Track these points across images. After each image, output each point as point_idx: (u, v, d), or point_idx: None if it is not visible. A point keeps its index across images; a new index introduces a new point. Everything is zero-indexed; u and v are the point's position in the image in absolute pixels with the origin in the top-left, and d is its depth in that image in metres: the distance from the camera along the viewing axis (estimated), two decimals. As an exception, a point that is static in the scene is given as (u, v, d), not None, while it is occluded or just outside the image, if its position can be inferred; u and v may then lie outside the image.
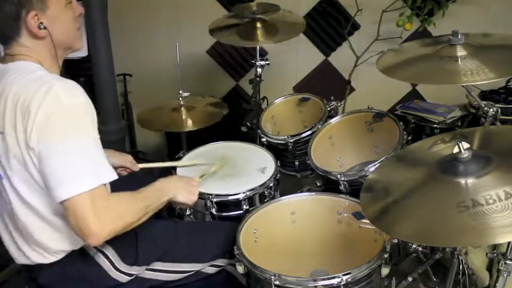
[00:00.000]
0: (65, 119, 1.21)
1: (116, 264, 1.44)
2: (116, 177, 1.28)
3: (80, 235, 1.23)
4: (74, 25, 1.39)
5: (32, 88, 1.22)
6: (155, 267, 1.53)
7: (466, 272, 1.65)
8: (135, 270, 1.47)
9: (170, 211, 1.93)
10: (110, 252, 1.44)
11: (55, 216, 1.32)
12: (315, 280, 1.33)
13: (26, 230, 1.34)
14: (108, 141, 1.44)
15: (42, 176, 1.24)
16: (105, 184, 1.26)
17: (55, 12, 1.31)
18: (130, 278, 1.47)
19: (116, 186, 1.34)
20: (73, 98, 1.23)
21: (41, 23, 1.28)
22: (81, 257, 1.41)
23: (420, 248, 1.66)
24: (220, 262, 1.62)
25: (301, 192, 1.86)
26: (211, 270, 1.62)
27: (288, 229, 1.71)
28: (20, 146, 1.23)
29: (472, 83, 1.40)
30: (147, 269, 1.51)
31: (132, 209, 1.33)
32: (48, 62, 1.34)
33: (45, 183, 1.24)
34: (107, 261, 1.43)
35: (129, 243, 1.47)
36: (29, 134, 1.20)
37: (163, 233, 1.57)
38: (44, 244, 1.35)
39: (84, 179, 1.21)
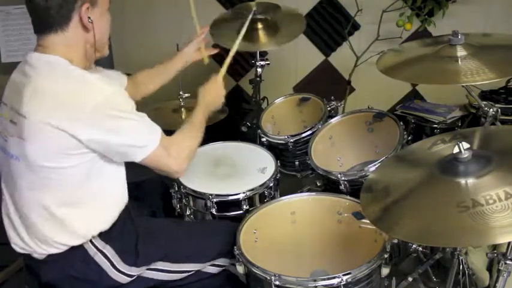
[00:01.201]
0: (110, 106, 1.30)
1: (115, 264, 1.44)
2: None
3: (169, 175, 1.51)
4: (108, 31, 1.49)
5: (68, 84, 1.30)
6: (156, 267, 1.53)
7: (466, 272, 1.65)
8: (135, 271, 1.48)
9: (170, 211, 1.93)
10: (110, 252, 1.44)
11: (58, 207, 1.35)
12: (315, 280, 1.33)
13: (29, 217, 1.37)
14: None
15: (115, 154, 1.38)
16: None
17: (100, 12, 1.41)
18: (130, 278, 1.48)
19: None
20: (109, 85, 1.33)
21: (89, 17, 1.36)
22: (80, 256, 1.41)
23: (420, 248, 1.66)
24: (221, 262, 1.62)
25: (301, 192, 1.87)
26: (212, 269, 1.62)
27: (288, 229, 1.71)
28: (53, 136, 1.27)
29: (472, 83, 1.40)
30: (147, 269, 1.51)
31: (192, 136, 1.56)
32: (78, 58, 1.39)
33: (122, 159, 1.42)
34: (106, 262, 1.43)
35: (129, 244, 1.47)
36: (74, 128, 1.27)
37: (163, 233, 1.57)
38: (45, 233, 1.37)
39: (150, 136, 1.41)
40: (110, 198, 1.45)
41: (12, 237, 1.45)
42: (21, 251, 1.44)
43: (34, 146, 1.29)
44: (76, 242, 1.40)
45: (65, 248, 1.40)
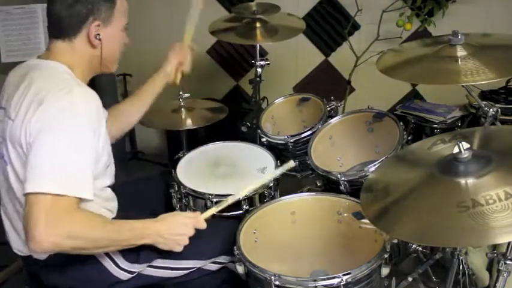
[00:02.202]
0: (72, 122, 1.25)
1: (117, 261, 1.44)
2: (90, 198, 1.24)
3: (24, 233, 1.19)
4: (120, 50, 1.48)
5: (54, 85, 1.28)
6: (157, 264, 1.53)
7: (466, 272, 1.65)
8: (136, 267, 1.48)
9: (170, 211, 1.93)
10: None
11: None
12: (315, 280, 1.33)
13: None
14: (108, 141, 1.44)
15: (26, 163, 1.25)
16: (80, 199, 1.23)
17: (113, 31, 1.42)
18: (131, 275, 1.48)
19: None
20: (86, 104, 1.28)
21: (99, 34, 1.38)
22: (82, 255, 1.40)
23: (420, 248, 1.66)
24: (222, 259, 1.62)
25: (301, 192, 1.86)
26: (213, 267, 1.62)
27: (288, 229, 1.71)
28: (24, 131, 1.26)
29: (472, 83, 1.40)
30: (148, 266, 1.51)
31: (92, 236, 1.25)
32: (80, 68, 1.40)
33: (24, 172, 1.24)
34: (108, 259, 1.43)
35: None
36: (34, 122, 1.24)
37: None
38: None
39: (54, 181, 1.19)
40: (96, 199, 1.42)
41: (13, 240, 1.44)
42: (23, 254, 1.44)
43: (15, 148, 1.30)
44: None
45: None
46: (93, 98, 1.31)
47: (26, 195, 1.19)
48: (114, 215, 1.53)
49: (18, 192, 1.34)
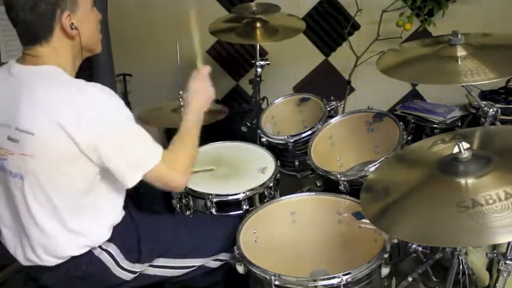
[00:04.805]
0: (109, 111, 1.29)
1: (119, 262, 1.44)
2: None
3: (170, 190, 1.58)
4: (97, 28, 1.44)
5: (66, 93, 1.27)
6: (158, 264, 1.53)
7: (466, 272, 1.65)
8: (138, 267, 1.48)
9: (170, 211, 1.93)
10: (114, 250, 1.44)
11: (74, 218, 1.34)
12: (315, 280, 1.34)
13: (38, 234, 1.35)
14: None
15: (110, 167, 1.31)
16: None
17: (83, 14, 1.35)
18: (134, 275, 1.48)
19: None
20: (108, 93, 1.31)
21: (72, 23, 1.31)
22: (86, 258, 1.40)
23: (420, 248, 1.66)
24: (223, 256, 1.62)
25: (301, 192, 1.86)
26: (214, 264, 1.63)
27: (288, 229, 1.71)
28: (60, 147, 1.24)
29: (472, 83, 1.40)
30: (150, 266, 1.52)
31: (189, 147, 1.49)
32: (69, 64, 1.37)
33: (117, 173, 1.32)
34: (111, 259, 1.43)
35: (132, 240, 1.48)
36: (77, 137, 1.24)
37: (165, 229, 1.57)
38: (56, 249, 1.36)
39: (153, 151, 1.36)
40: (114, 204, 1.45)
41: (18, 255, 1.42)
42: (28, 264, 1.42)
43: (42, 161, 1.26)
44: (84, 251, 1.40)
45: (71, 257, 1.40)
46: (104, 87, 1.32)
47: (146, 179, 1.35)
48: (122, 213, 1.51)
49: (32, 207, 1.31)
